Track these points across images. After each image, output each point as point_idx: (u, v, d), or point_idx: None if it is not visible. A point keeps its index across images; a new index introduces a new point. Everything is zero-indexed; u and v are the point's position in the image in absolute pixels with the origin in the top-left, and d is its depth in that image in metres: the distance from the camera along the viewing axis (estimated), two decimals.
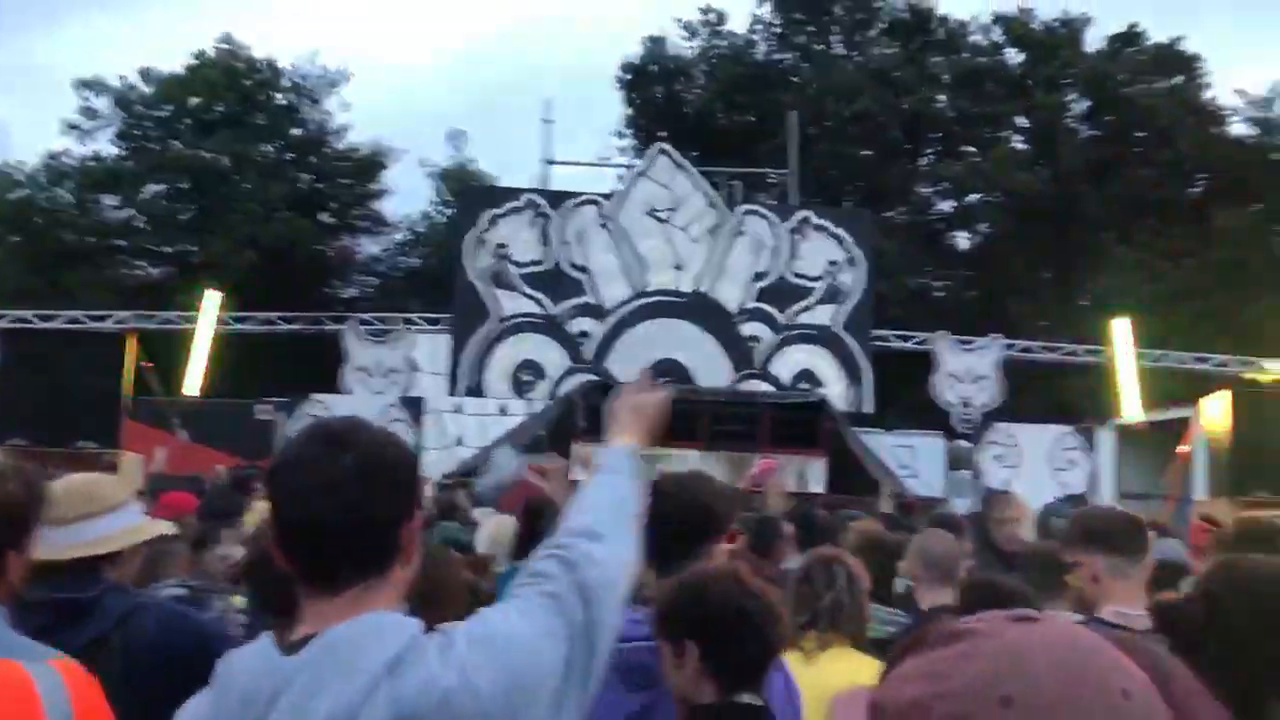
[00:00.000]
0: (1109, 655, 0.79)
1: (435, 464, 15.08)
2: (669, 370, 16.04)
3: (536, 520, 4.39)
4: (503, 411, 16.07)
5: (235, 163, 28.32)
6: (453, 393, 16.01)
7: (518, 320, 16.15)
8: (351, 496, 1.42)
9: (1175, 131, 28.11)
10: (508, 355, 16.07)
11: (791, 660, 2.95)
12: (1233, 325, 22.49)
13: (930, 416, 18.18)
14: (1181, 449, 13.60)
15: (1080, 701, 0.73)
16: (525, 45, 59.09)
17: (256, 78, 29.84)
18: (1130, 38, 30.28)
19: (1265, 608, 1.78)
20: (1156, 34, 30.26)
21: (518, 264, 16.23)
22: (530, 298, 16.21)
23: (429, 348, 17.03)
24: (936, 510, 5.66)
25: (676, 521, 2.60)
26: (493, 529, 5.69)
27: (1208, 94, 29.95)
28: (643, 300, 16.38)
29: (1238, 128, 29.63)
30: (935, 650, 0.79)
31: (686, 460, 12.73)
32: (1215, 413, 13.45)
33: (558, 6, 59.51)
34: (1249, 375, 17.60)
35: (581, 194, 16.96)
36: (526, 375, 16.05)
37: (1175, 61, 29.85)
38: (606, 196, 16.97)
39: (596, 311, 16.35)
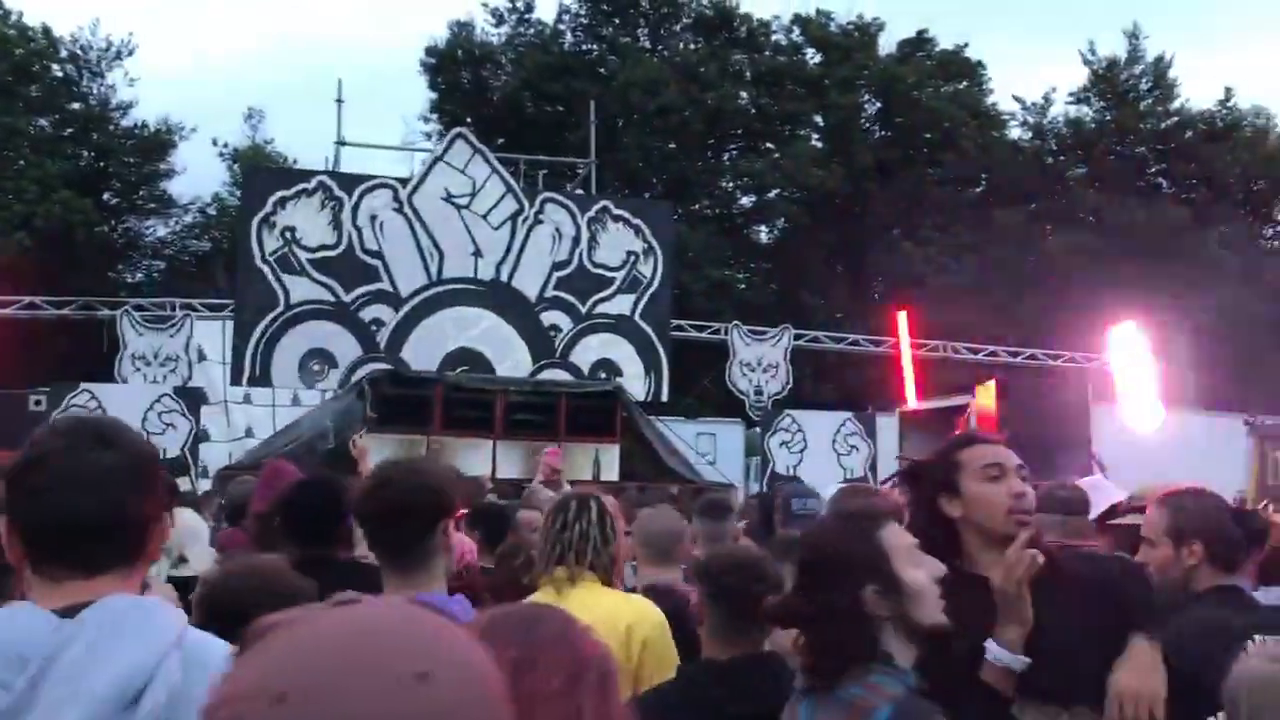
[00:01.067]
0: (408, 636, 0.72)
1: (220, 456, 14.45)
2: (467, 359, 15.85)
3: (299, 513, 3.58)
4: (294, 401, 15.52)
5: (5, 137, 26.33)
6: (236, 382, 15.34)
7: (307, 307, 15.60)
8: (116, 493, 1.51)
9: (959, 134, 29.67)
10: (296, 343, 15.50)
11: (542, 596, 2.91)
12: (1010, 318, 23.94)
13: (726, 405, 18.65)
14: (955, 434, 14.37)
15: (352, 688, 0.67)
16: (330, 26, 57.28)
17: (29, 47, 27.78)
18: (920, 43, 31.75)
19: None
20: (944, 41, 31.89)
21: (307, 249, 15.67)
22: (321, 284, 15.68)
23: (214, 336, 16.28)
24: (709, 496, 5.72)
25: (404, 506, 2.59)
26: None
27: (989, 99, 31.79)
28: (440, 288, 16.10)
29: (1015, 131, 31.57)
30: (241, 651, 0.72)
31: (480, 451, 12.66)
32: (987, 399, 14.30)
33: None
34: (1021, 364, 18.79)
35: (375, 177, 16.52)
36: (316, 364, 15.53)
37: (960, 67, 31.51)
38: (402, 181, 16.59)
39: (391, 299, 15.96)
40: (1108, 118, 29.99)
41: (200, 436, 14.39)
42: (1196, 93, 30.27)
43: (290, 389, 15.54)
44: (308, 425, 13.02)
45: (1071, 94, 30.50)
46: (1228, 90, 29.73)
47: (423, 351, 15.61)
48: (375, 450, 12.38)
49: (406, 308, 16.00)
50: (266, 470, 4.50)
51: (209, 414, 14.88)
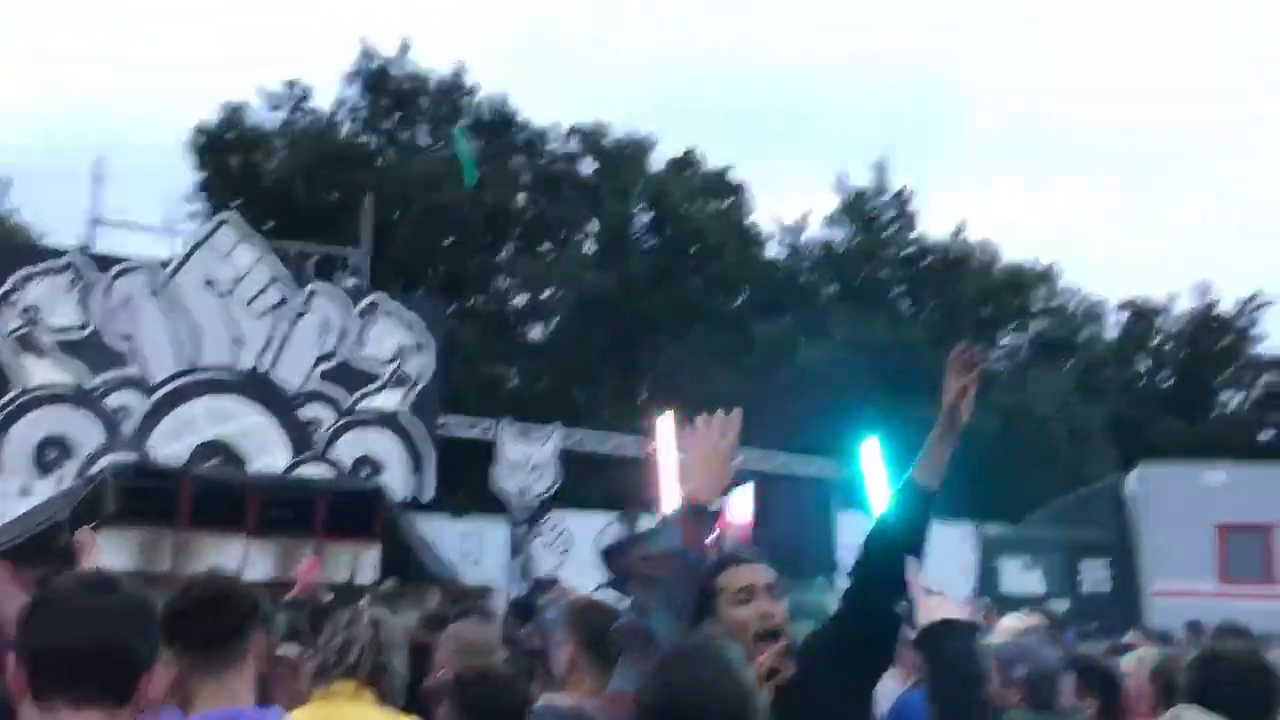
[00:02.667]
0: None
1: None
2: (219, 452, 15.20)
3: None
4: (23, 492, 14.40)
5: None
6: None
7: (46, 391, 14.61)
8: (115, 631, 1.68)
9: (723, 248, 31.20)
10: (30, 430, 14.46)
11: (310, 711, 2.85)
12: (765, 425, 25.06)
13: (495, 504, 18.57)
14: (711, 538, 14.88)
15: None
16: (94, 98, 54.55)
17: None
18: (687, 162, 33.40)
19: None
20: (712, 160, 33.65)
21: (51, 329, 14.75)
22: (64, 367, 14.75)
23: None
24: (469, 602, 5.71)
25: (223, 594, 2.50)
26: None
27: (750, 218, 33.67)
28: (194, 376, 15.45)
29: (774, 249, 33.51)
30: None
31: (230, 549, 12.10)
32: (741, 503, 14.93)
33: (132, 66, 55.71)
34: (773, 470, 19.66)
35: (131, 259, 15.80)
36: (53, 452, 14.50)
37: (724, 186, 33.29)
38: (163, 264, 15.93)
39: (141, 385, 15.18)
40: (857, 241, 32.33)
41: None
42: (934, 224, 33.03)
43: (19, 479, 14.42)
44: (41, 517, 12.12)
45: (826, 218, 32.81)
46: (959, 223, 32.74)
47: (172, 442, 14.87)
48: (114, 547, 11.74)
49: (157, 396, 15.25)
50: None
51: None
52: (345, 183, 28.59)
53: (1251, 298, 32.70)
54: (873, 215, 32.54)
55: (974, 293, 31.91)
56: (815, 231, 33.03)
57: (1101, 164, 52.59)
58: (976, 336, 31.91)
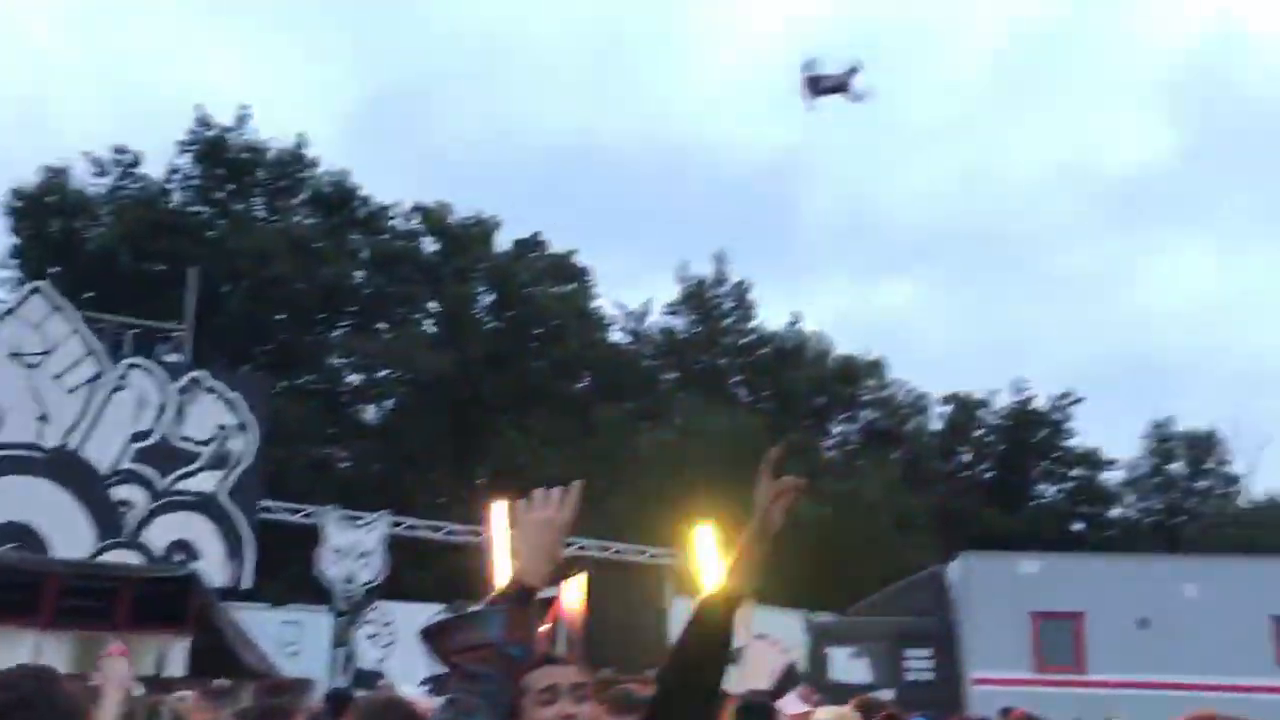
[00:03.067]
0: None
1: None
2: (18, 535, 14.13)
3: None
4: None
5: None
6: None
7: None
8: None
9: (566, 332, 31.30)
10: None
11: None
12: (600, 511, 24.93)
13: (318, 592, 17.79)
14: (543, 627, 14.58)
15: None
16: None
17: None
18: (533, 244, 33.55)
19: None
20: (557, 244, 33.90)
21: None
22: None
23: None
24: (264, 704, 5.35)
25: None
26: None
27: (595, 303, 33.96)
28: None
29: (617, 335, 33.83)
30: None
31: (22, 641, 11.16)
32: (573, 593, 14.71)
33: None
34: (607, 558, 19.51)
35: None
36: None
37: (569, 270, 33.55)
38: None
39: None
40: (697, 329, 32.97)
41: None
42: (770, 315, 34.08)
43: None
44: None
45: (667, 305, 33.38)
46: (794, 314, 33.80)
47: None
48: None
49: None
50: None
51: None
52: (173, 253, 27.55)
53: (1064, 394, 34.72)
54: (713, 304, 33.28)
55: (807, 382, 32.84)
56: (657, 318, 33.57)
57: (926, 261, 55.38)
58: (811, 425, 32.78)
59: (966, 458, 36.03)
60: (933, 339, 51.03)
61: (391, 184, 53.75)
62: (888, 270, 55.36)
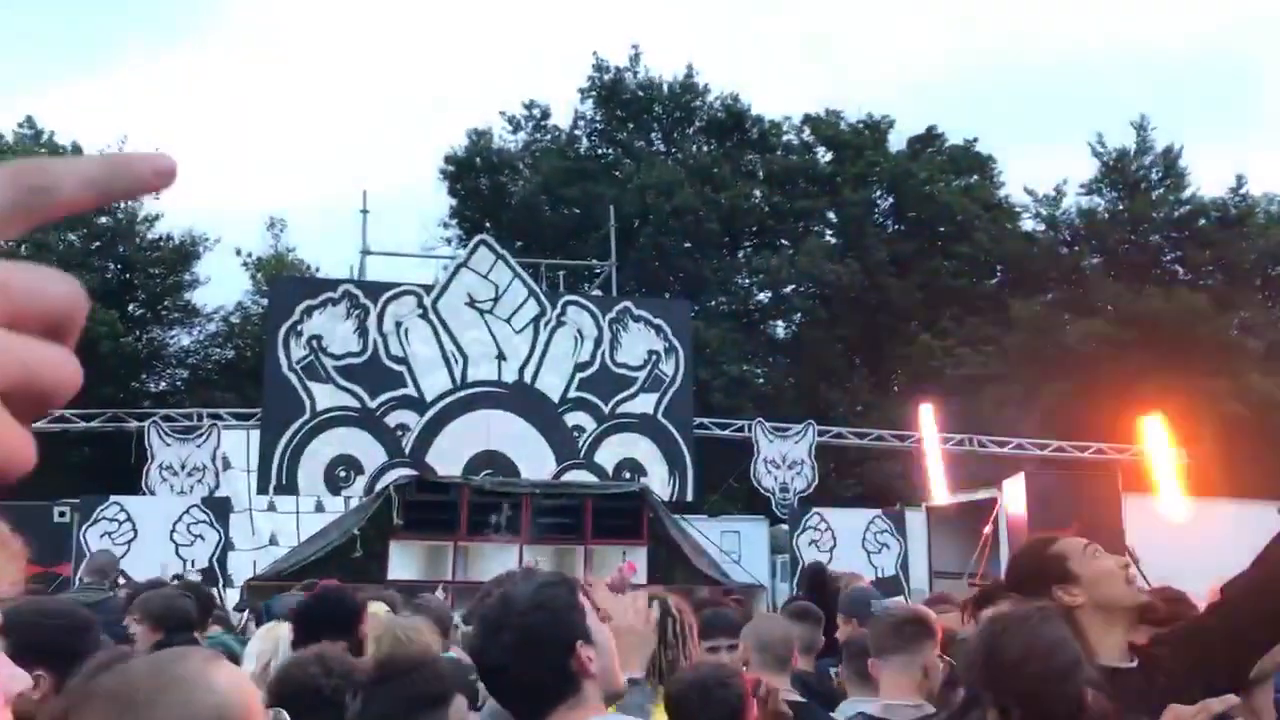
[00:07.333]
0: None
1: (245, 564, 14.39)
2: (491, 462, 15.83)
3: None
4: (318, 508, 15.51)
5: (34, 252, 26.88)
6: (262, 490, 15.34)
7: (333, 414, 15.66)
8: None
9: (972, 227, 29.93)
10: (322, 450, 15.52)
11: None
12: (1031, 409, 23.81)
13: (755, 501, 18.50)
14: (985, 530, 14.21)
15: None
16: (353, 137, 58.60)
17: None
18: (930, 139, 32.27)
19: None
20: (954, 136, 32.38)
21: (334, 356, 15.80)
22: (346, 390, 15.77)
23: (240, 444, 16.34)
24: (798, 603, 5.61)
25: None
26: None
27: (1001, 192, 32.13)
28: (464, 392, 16.16)
29: (1029, 223, 31.84)
30: None
31: (510, 554, 12.56)
32: (1014, 494, 14.16)
33: (387, 97, 59.44)
34: (1049, 456, 18.60)
35: (400, 284, 16.72)
36: (342, 470, 15.52)
37: (970, 162, 31.96)
38: (426, 288, 16.78)
39: (416, 404, 16.01)
40: (1120, 208, 30.24)
41: (228, 546, 14.34)
42: (1207, 181, 30.47)
43: (314, 496, 15.53)
44: (335, 532, 12.99)
45: (1083, 185, 30.84)
46: (1239, 178, 30.02)
47: (447, 456, 15.60)
48: (403, 558, 12.42)
49: (431, 412, 16.04)
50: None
51: (233, 523, 14.83)
52: (586, 197, 29.40)
53: None
54: (1137, 177, 30.36)
55: (1259, 253, 29.20)
56: (1073, 200, 31.15)
57: None
58: (1267, 299, 29.22)
59: None
60: None
61: (780, 101, 53.66)
62: None
